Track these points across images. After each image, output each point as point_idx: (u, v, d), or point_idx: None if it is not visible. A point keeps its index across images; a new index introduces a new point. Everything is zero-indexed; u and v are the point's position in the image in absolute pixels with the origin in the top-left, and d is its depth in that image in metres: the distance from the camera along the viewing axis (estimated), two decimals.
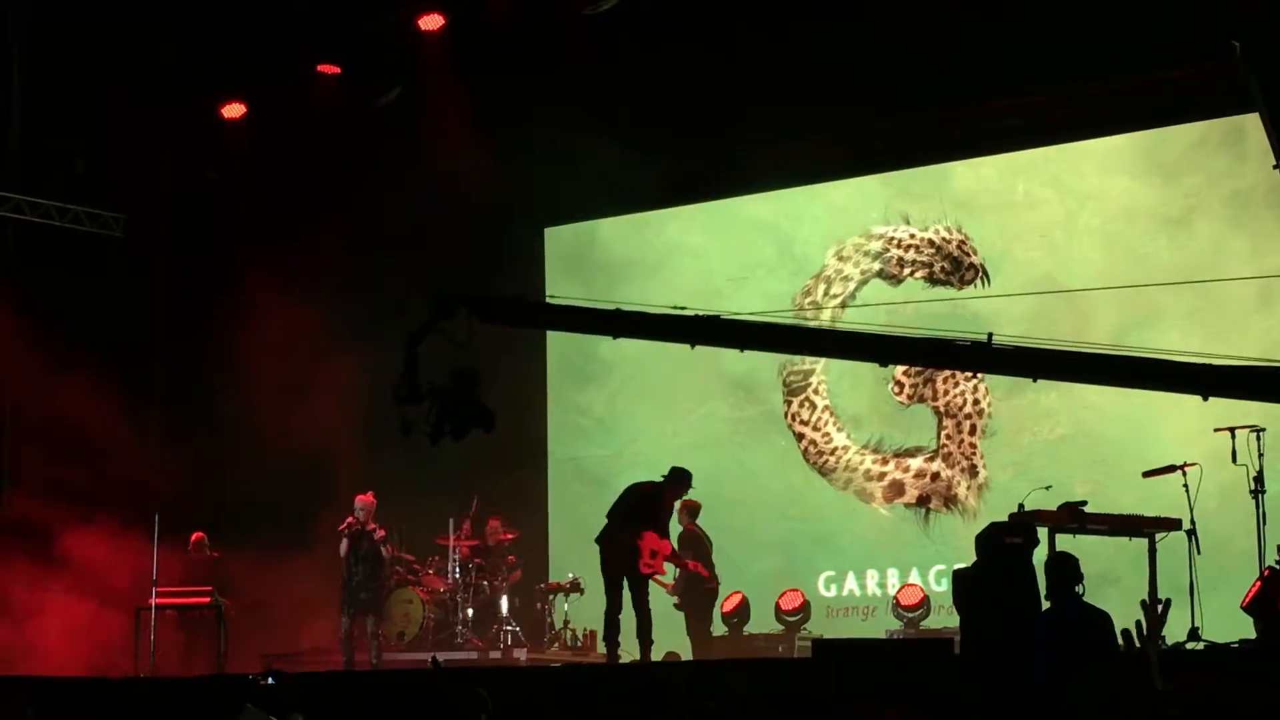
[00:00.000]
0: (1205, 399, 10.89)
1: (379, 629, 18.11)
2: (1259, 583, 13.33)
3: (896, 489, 18.84)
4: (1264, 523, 13.92)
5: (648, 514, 15.98)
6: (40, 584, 18.86)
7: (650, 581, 15.91)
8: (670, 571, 16.86)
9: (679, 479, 16.35)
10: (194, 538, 19.10)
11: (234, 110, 20.45)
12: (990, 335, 11.13)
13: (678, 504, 16.92)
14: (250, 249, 20.46)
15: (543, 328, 13.31)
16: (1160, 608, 6.75)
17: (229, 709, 9.41)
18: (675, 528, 17.88)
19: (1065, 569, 11.38)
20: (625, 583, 15.62)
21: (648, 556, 15.79)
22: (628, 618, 15.59)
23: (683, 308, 11.93)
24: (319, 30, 19.62)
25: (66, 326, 19.34)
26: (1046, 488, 14.19)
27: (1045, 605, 11.49)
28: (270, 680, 10.35)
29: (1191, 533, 13.68)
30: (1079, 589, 11.30)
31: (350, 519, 18.16)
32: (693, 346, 12.29)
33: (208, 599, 18.70)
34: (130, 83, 20.60)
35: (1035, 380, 12.05)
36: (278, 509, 19.66)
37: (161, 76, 21.34)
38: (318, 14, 19.61)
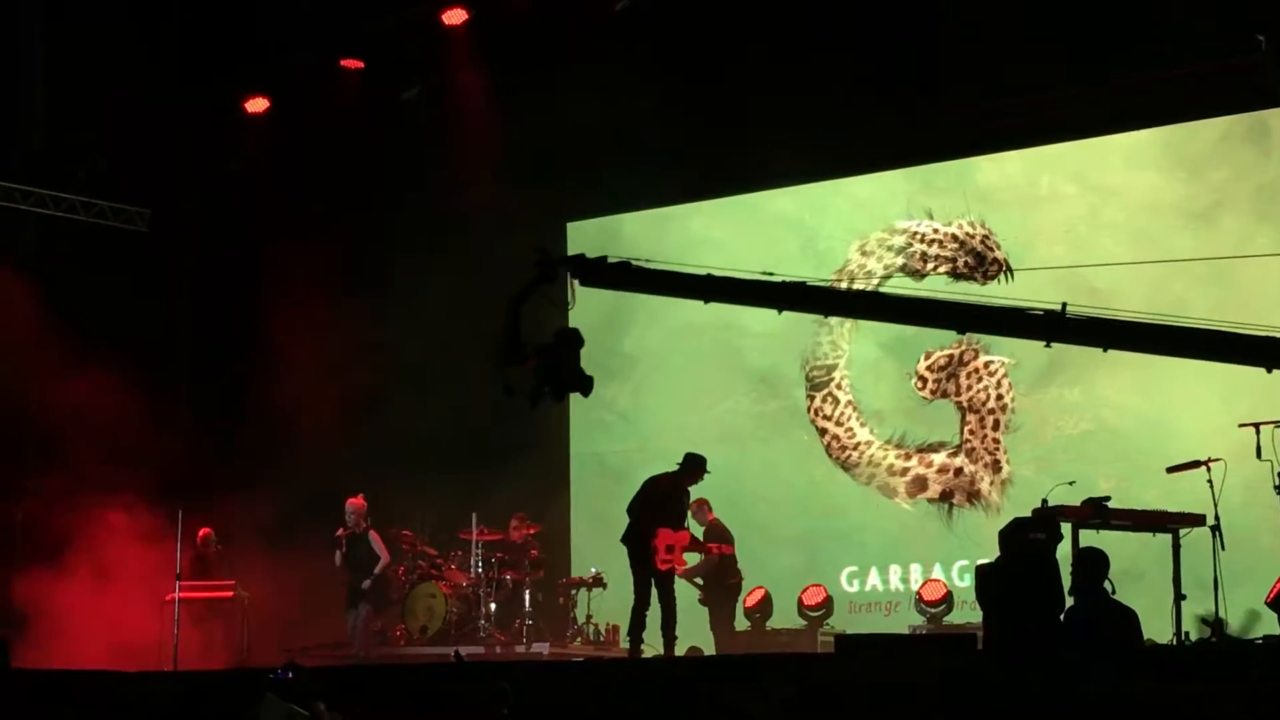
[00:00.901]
0: (1269, 371, 10.79)
1: (373, 621, 18.50)
2: None
3: (919, 484, 18.81)
4: None
5: (659, 508, 16.05)
6: (65, 577, 18.91)
7: (673, 575, 15.98)
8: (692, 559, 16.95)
9: (693, 465, 16.40)
10: (201, 534, 19.15)
11: (257, 105, 20.48)
12: (1064, 305, 11.10)
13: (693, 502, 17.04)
14: (274, 242, 20.52)
15: (640, 291, 13.63)
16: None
17: (254, 702, 9.43)
18: (699, 523, 17.93)
19: (1094, 564, 11.36)
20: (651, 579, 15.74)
21: (664, 553, 15.82)
22: (655, 614, 15.67)
23: (770, 273, 12.12)
24: (342, 25, 19.65)
25: (91, 320, 19.41)
26: (1070, 483, 14.14)
27: (1069, 600, 11.48)
28: (288, 674, 10.38)
29: (1216, 528, 13.63)
30: (1107, 585, 11.28)
31: (341, 529, 18.47)
32: (780, 312, 12.71)
33: (230, 593, 18.76)
34: (153, 78, 20.66)
35: (1106, 350, 12.02)
36: (301, 500, 19.68)
37: (184, 72, 21.40)
38: (341, 9, 19.64)
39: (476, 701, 8.16)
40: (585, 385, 11.67)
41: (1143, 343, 11.59)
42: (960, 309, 12.28)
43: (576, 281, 12.31)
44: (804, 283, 12.22)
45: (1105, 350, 12.04)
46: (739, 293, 12.90)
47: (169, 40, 21.17)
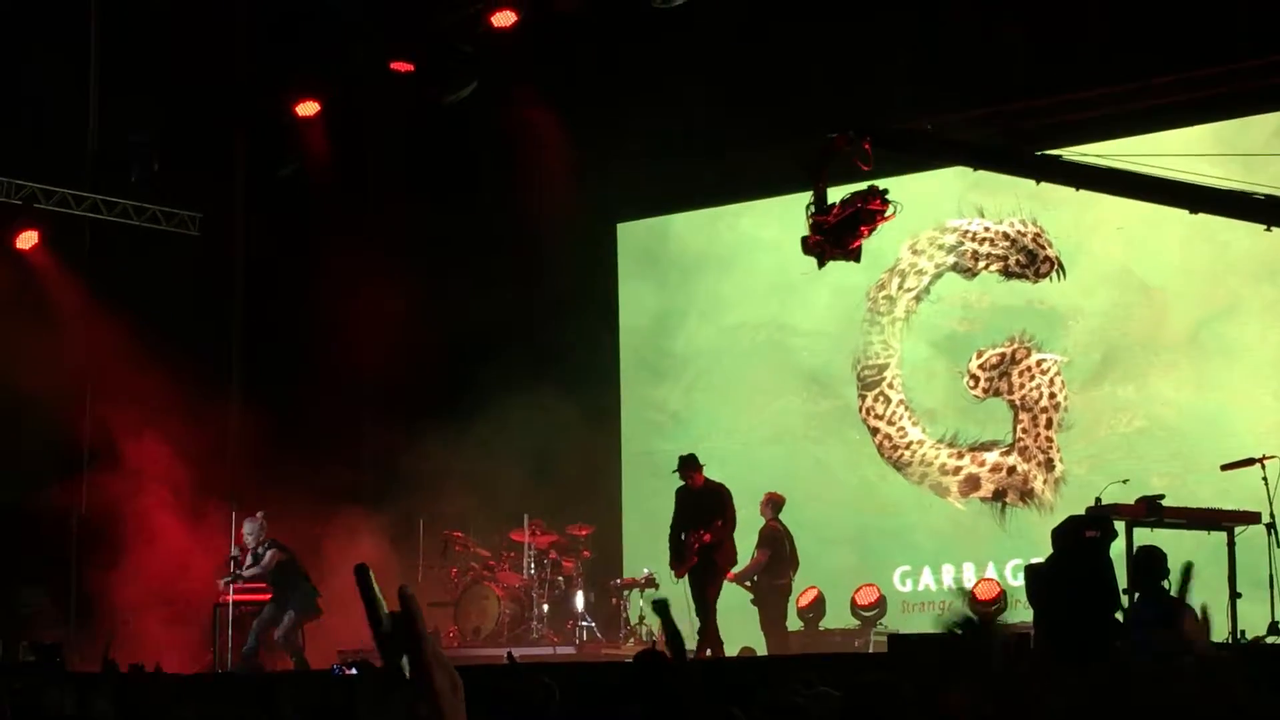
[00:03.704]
0: None
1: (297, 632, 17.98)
2: None
3: (972, 483, 18.75)
4: None
5: (683, 515, 16.38)
6: (119, 579, 19.01)
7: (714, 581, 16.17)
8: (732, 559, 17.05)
9: (684, 464, 16.67)
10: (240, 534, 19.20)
11: (308, 108, 20.54)
12: None
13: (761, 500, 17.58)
14: (324, 246, 20.58)
15: (932, 159, 14.27)
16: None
17: (318, 703, 9.43)
18: (758, 521, 17.98)
19: (1152, 563, 11.31)
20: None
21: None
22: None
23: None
24: (392, 29, 19.70)
25: (144, 324, 19.50)
26: (1124, 481, 14.08)
27: (1124, 600, 11.43)
28: (353, 670, 10.36)
29: (1271, 526, 13.58)
30: (1165, 584, 11.23)
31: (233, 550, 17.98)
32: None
33: None
34: (204, 83, 20.76)
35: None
36: (352, 501, 19.75)
37: (235, 76, 21.51)
38: (391, 13, 19.70)
39: (520, 698, 8.15)
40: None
41: None
42: (1191, 188, 12.76)
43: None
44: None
45: None
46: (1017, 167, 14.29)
47: (221, 45, 21.26)
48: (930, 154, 15.55)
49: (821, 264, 14.27)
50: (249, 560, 17.98)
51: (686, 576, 16.48)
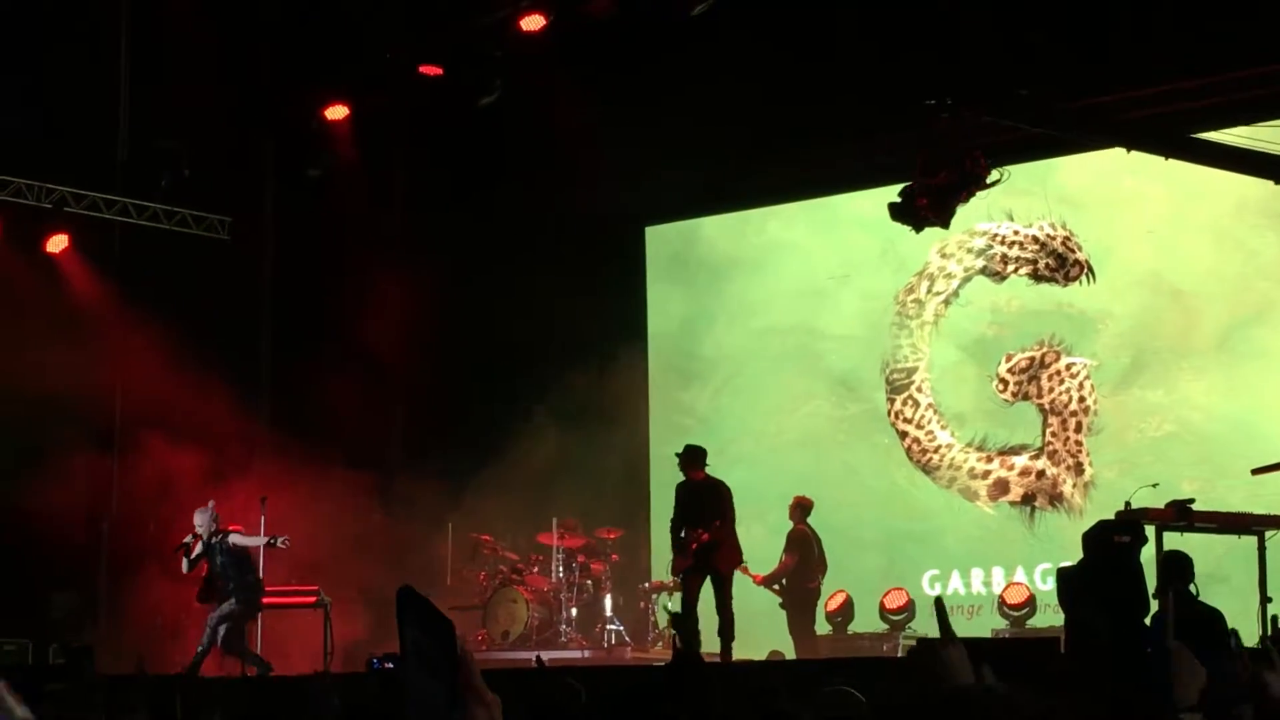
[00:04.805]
0: None
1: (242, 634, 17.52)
2: None
3: (1001, 487, 18.71)
4: None
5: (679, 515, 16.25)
6: (151, 579, 19.06)
7: (731, 579, 16.09)
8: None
9: (688, 456, 16.35)
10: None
11: (337, 112, 20.56)
12: None
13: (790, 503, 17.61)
14: (353, 250, 20.62)
15: (1033, 127, 14.80)
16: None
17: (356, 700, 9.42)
18: (786, 525, 17.96)
19: (1179, 567, 11.27)
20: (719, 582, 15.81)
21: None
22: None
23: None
24: (421, 32, 19.73)
25: (174, 327, 19.55)
26: (1154, 485, 14.03)
27: (1153, 604, 11.38)
28: (390, 665, 10.33)
29: None
30: (1192, 588, 11.19)
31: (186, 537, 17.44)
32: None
33: (314, 598, 18.81)
34: (233, 87, 20.81)
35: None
36: (380, 505, 19.78)
37: (264, 81, 21.56)
38: (419, 16, 19.72)
39: (546, 701, 8.14)
40: None
41: None
42: None
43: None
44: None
45: None
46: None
47: (250, 49, 21.32)
48: (1032, 122, 15.81)
49: (919, 229, 14.72)
50: (215, 553, 17.31)
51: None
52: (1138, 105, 17.16)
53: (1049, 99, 15.79)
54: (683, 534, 16.11)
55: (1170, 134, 15.32)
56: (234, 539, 17.41)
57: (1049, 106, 15.66)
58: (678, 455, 16.39)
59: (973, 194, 14.37)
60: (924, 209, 14.34)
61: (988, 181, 14.29)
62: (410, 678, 3.45)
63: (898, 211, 14.48)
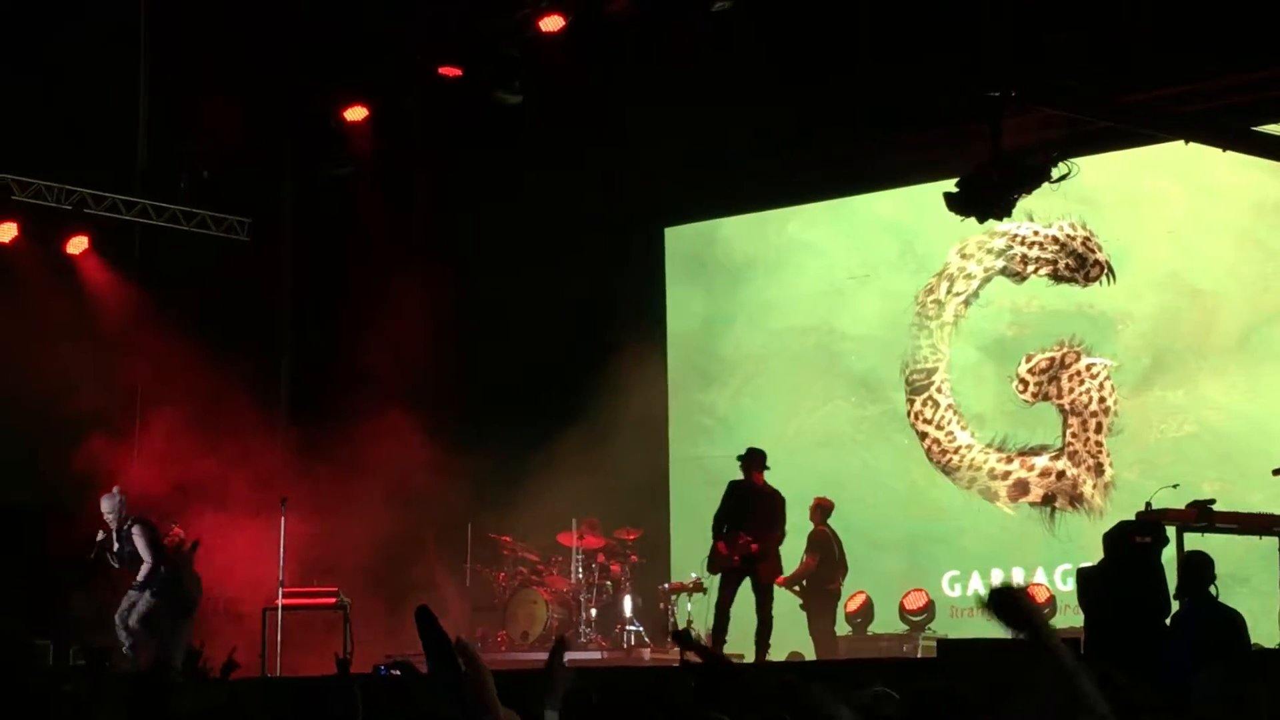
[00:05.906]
0: None
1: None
2: None
3: (1021, 488, 18.68)
4: None
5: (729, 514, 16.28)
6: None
7: (772, 586, 16.09)
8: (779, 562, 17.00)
9: (750, 458, 16.44)
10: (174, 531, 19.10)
11: (356, 113, 20.57)
12: None
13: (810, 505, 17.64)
14: (372, 251, 20.64)
15: (1087, 116, 14.89)
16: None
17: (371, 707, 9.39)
18: (806, 526, 17.93)
19: (1200, 568, 11.24)
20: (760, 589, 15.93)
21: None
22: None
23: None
24: (440, 33, 19.73)
25: (194, 328, 19.58)
26: (1174, 486, 14.00)
27: (1174, 605, 11.36)
28: (397, 671, 10.29)
29: None
30: (1212, 589, 11.16)
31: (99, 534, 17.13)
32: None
33: (334, 599, 18.81)
34: (253, 88, 20.83)
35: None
36: (398, 508, 19.78)
37: (283, 82, 21.58)
38: (438, 17, 19.73)
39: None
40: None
41: None
42: None
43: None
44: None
45: None
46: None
47: (269, 50, 21.35)
48: (1095, 115, 15.83)
49: (983, 219, 14.72)
50: (122, 541, 17.10)
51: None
52: (1199, 98, 17.10)
53: (1107, 92, 15.77)
54: (724, 530, 16.13)
55: (1230, 126, 15.28)
56: (135, 533, 17.06)
57: (1107, 100, 15.65)
58: (739, 457, 16.53)
59: (1037, 186, 14.29)
60: (987, 199, 14.26)
61: (1054, 177, 14.20)
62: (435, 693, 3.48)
63: (954, 202, 14.36)
